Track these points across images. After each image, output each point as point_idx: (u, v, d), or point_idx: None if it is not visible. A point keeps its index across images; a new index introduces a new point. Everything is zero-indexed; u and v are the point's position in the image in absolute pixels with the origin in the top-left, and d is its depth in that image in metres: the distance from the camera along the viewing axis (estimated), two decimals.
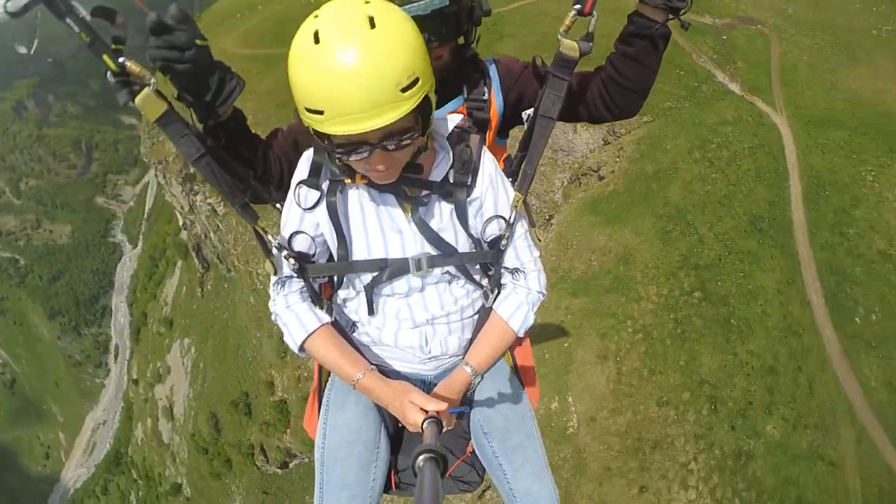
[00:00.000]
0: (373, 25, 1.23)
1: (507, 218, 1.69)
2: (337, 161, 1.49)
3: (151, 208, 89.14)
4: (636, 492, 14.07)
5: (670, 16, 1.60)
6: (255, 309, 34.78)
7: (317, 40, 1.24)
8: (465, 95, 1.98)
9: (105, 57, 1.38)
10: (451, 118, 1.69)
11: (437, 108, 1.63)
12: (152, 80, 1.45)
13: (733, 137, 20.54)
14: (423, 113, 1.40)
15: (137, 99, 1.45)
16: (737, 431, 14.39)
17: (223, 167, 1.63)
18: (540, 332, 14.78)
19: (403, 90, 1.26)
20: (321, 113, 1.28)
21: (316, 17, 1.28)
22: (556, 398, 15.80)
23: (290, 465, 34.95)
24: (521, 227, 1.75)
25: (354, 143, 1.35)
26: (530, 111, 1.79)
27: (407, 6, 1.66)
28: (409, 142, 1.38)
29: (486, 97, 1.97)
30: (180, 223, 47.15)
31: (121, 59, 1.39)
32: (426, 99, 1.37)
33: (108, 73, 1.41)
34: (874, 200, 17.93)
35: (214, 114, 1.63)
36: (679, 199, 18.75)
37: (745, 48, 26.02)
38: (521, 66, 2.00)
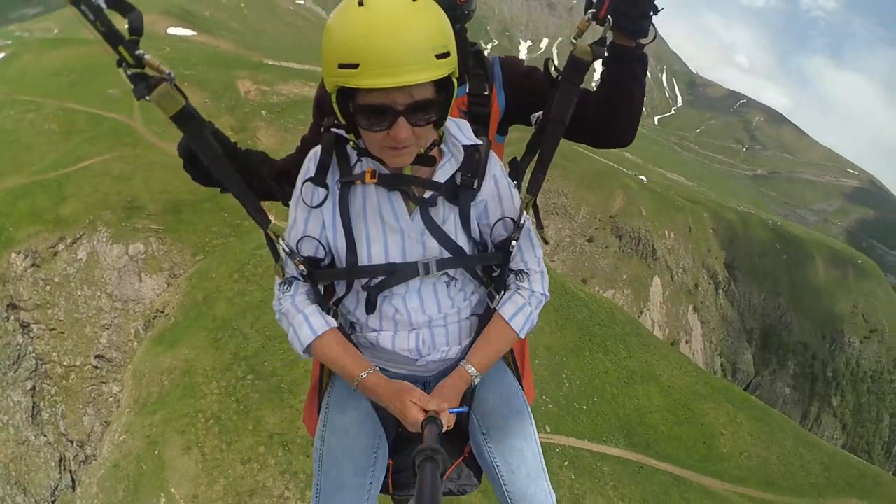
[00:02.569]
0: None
1: (516, 220, 1.70)
2: (356, 145, 1.56)
3: None
4: None
5: (633, 42, 1.69)
6: None
7: (361, 3, 1.29)
8: (467, 89, 1.97)
9: (121, 48, 1.34)
10: (462, 123, 1.68)
11: None
12: (171, 75, 1.42)
13: (267, 256, 27.15)
14: (446, 92, 1.44)
15: (154, 94, 1.42)
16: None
17: (238, 166, 1.66)
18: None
19: (438, 56, 1.32)
20: (356, 67, 1.29)
21: None
22: (161, 495, 18.03)
23: None
24: (528, 229, 1.75)
25: (379, 109, 1.37)
26: (539, 114, 1.81)
27: None
28: (431, 115, 1.42)
29: (487, 93, 1.97)
30: None
31: (138, 52, 1.36)
32: (451, 80, 1.41)
33: (124, 66, 1.36)
34: None
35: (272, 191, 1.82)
36: (224, 312, 23.86)
37: None
38: (527, 68, 2.01)
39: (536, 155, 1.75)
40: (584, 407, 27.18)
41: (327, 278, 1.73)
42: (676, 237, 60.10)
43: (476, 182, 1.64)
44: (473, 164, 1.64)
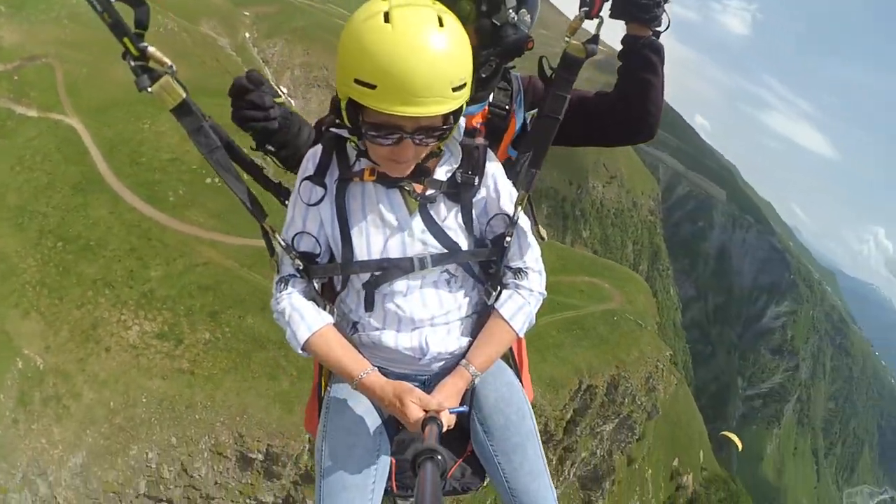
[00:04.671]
0: (441, 24, 1.33)
1: (511, 216, 1.72)
2: (356, 146, 1.58)
3: None
4: None
5: (648, 30, 1.71)
6: None
7: (387, 20, 1.29)
8: (490, 100, 1.96)
9: (126, 40, 1.36)
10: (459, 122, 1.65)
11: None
12: (173, 68, 1.44)
13: (41, 145, 28.01)
14: (454, 116, 1.49)
15: (156, 86, 1.44)
16: None
17: (237, 161, 1.68)
18: None
19: (454, 89, 1.36)
20: (373, 87, 1.31)
21: (385, 0, 1.34)
22: (17, 359, 20.94)
23: None
24: (525, 226, 1.77)
25: (388, 128, 1.41)
26: (533, 112, 1.85)
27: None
28: (434, 140, 1.48)
29: (507, 107, 1.97)
30: None
31: (143, 44, 1.38)
32: (461, 106, 1.45)
33: (128, 58, 1.39)
34: (152, 134, 28.32)
35: (294, 159, 1.77)
36: (17, 200, 25.43)
37: (34, 81, 33.10)
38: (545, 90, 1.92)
39: (530, 152, 1.75)
40: None
41: (323, 273, 1.75)
42: None
43: (476, 180, 1.69)
44: (472, 162, 1.68)
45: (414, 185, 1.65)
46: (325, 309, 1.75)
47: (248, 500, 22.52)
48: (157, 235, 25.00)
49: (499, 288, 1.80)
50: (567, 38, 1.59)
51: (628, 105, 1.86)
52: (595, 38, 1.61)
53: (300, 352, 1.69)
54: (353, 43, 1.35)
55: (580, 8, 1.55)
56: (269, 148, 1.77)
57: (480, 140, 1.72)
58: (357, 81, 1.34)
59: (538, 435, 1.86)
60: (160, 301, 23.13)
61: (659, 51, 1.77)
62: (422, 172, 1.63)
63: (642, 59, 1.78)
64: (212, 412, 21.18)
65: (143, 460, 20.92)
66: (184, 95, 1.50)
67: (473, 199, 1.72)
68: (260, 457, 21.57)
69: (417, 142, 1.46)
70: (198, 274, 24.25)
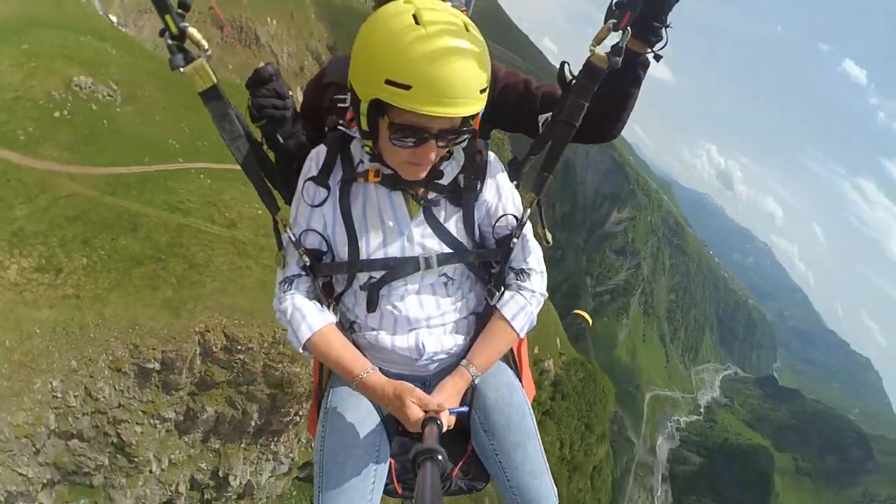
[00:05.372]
0: (467, 29, 1.38)
1: (518, 217, 1.75)
2: (371, 150, 1.58)
3: None
4: None
5: (649, 49, 1.72)
6: None
7: (418, 21, 1.31)
8: None
9: (167, 18, 1.37)
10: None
11: None
12: (209, 52, 1.45)
13: None
14: (473, 119, 1.51)
15: (189, 67, 1.46)
16: None
17: (255, 153, 1.69)
18: None
19: (481, 91, 1.39)
20: (407, 88, 1.32)
21: (408, 2, 1.38)
22: None
23: None
24: (529, 228, 1.79)
25: (416, 129, 1.42)
26: (546, 115, 1.84)
27: None
28: (455, 142, 1.50)
29: None
30: None
31: (183, 24, 1.39)
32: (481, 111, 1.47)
33: (167, 35, 1.40)
34: None
35: (299, 153, 1.76)
36: None
37: None
38: (506, 72, 2.00)
39: (541, 155, 1.76)
40: None
41: (329, 272, 1.76)
42: (279, 23, 64.04)
43: (479, 184, 1.71)
44: (475, 165, 1.70)
45: (417, 188, 1.66)
46: (329, 309, 1.77)
47: (151, 420, 23.58)
48: (14, 175, 24.12)
49: (501, 288, 1.80)
50: (592, 48, 1.58)
51: (605, 113, 1.86)
52: (619, 51, 1.58)
53: (301, 351, 1.69)
54: (384, 44, 1.36)
55: (607, 20, 1.57)
56: (278, 138, 1.77)
57: (481, 142, 1.75)
58: (389, 82, 1.34)
59: (538, 433, 1.86)
60: (31, 237, 22.96)
61: (647, 68, 1.80)
62: (435, 175, 1.64)
63: (635, 75, 1.80)
64: (104, 329, 21.93)
65: (48, 392, 21.21)
66: (214, 81, 1.51)
67: (475, 203, 1.73)
68: (157, 366, 22.67)
69: (441, 144, 1.47)
70: (62, 206, 24.05)
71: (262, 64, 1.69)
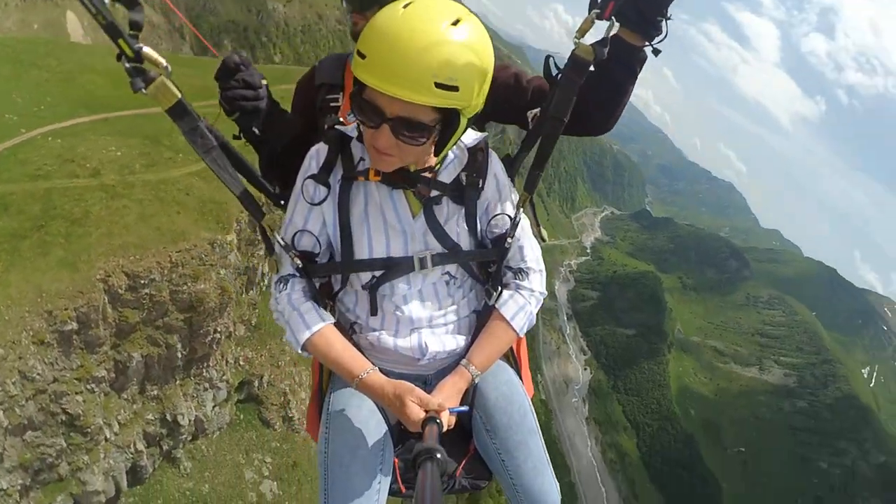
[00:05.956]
0: (455, 24, 1.33)
1: (512, 216, 1.74)
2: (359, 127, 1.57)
3: None
4: None
5: (647, 42, 1.66)
6: None
7: (405, 6, 1.34)
8: None
9: (121, 42, 1.35)
10: (470, 132, 1.68)
11: None
12: (168, 69, 1.44)
13: None
14: (448, 124, 1.46)
15: (151, 87, 1.45)
16: None
17: (232, 161, 1.68)
18: None
19: (437, 85, 1.32)
20: (364, 57, 1.35)
21: None
22: None
23: None
24: (526, 226, 1.79)
25: (372, 107, 1.42)
26: (535, 111, 1.79)
27: None
28: (413, 141, 1.43)
29: None
30: None
31: (137, 45, 1.37)
32: (455, 116, 1.43)
33: (123, 59, 1.38)
34: None
35: (277, 147, 1.75)
36: None
37: None
38: (498, 66, 1.84)
39: (532, 152, 1.74)
40: None
41: (324, 272, 1.75)
42: None
43: (480, 182, 1.70)
44: (477, 164, 1.70)
45: (420, 187, 1.65)
46: (325, 309, 1.75)
47: (88, 385, 23.96)
48: None
49: (499, 288, 1.80)
50: (576, 39, 1.55)
51: (600, 106, 1.82)
52: (605, 41, 1.56)
53: (300, 351, 1.68)
54: (373, 18, 1.38)
55: (590, 9, 1.53)
56: (255, 132, 1.73)
57: (485, 142, 1.74)
58: (358, 52, 1.37)
59: (539, 430, 1.86)
60: None
61: (643, 62, 1.73)
62: (418, 180, 1.62)
63: (630, 69, 1.74)
64: (16, 308, 22.03)
65: None
66: (179, 96, 1.50)
67: (478, 201, 1.73)
68: (74, 325, 23.00)
69: (395, 132, 1.42)
70: None
71: (228, 53, 1.70)
